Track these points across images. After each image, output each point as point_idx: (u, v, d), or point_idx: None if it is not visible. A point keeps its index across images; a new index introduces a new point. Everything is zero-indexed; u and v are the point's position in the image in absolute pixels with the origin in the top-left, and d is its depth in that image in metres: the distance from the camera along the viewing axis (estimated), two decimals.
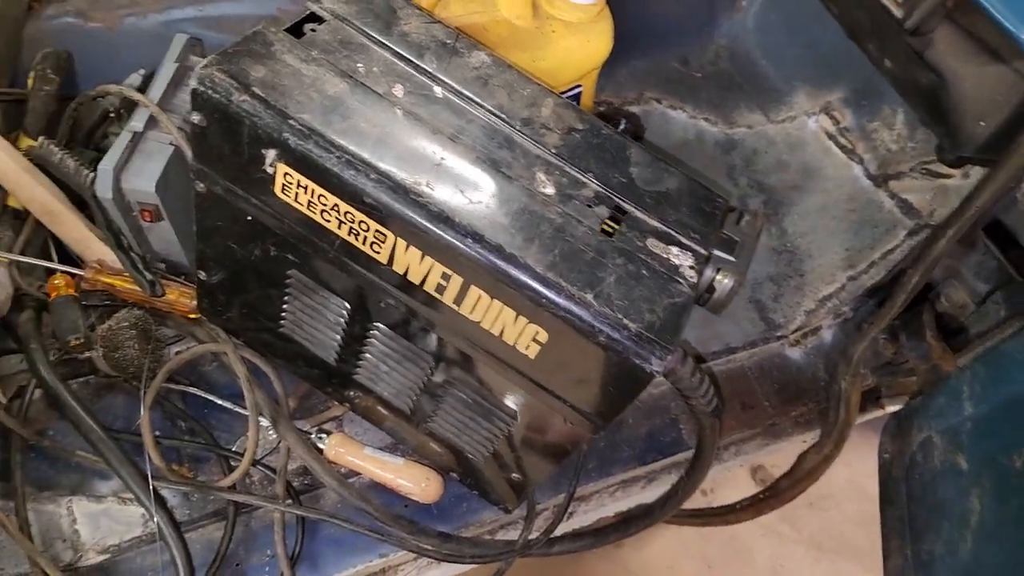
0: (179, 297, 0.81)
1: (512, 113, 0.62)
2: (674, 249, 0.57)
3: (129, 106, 0.92)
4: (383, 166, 0.54)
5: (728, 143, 1.18)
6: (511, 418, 0.66)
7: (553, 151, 0.60)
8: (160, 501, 0.70)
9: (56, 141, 0.83)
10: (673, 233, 0.58)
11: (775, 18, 1.22)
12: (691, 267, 0.56)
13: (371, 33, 0.62)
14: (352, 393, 0.78)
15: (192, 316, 0.81)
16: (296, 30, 0.61)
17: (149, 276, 0.78)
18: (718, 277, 0.59)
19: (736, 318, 1.02)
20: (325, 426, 0.83)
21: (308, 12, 0.62)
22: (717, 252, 0.59)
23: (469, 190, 0.55)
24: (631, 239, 0.56)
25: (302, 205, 0.57)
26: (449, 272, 0.55)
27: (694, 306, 0.58)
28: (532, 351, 0.56)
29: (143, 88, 0.92)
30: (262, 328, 0.76)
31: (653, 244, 0.57)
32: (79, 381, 0.81)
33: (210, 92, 0.54)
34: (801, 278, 1.07)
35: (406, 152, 0.55)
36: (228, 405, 0.81)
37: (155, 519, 0.68)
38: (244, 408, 0.79)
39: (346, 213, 0.56)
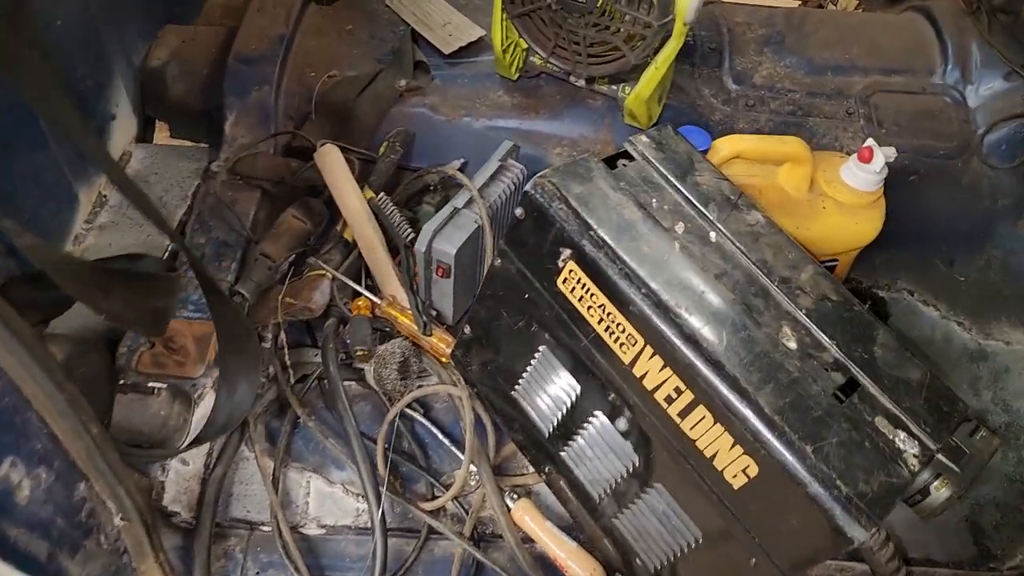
0: (439, 342, 0.97)
1: (774, 270, 0.69)
2: (901, 434, 0.59)
3: (444, 184, 1.14)
4: (653, 285, 0.64)
5: (979, 353, 1.13)
6: (695, 540, 0.70)
7: (803, 312, 0.66)
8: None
9: (390, 198, 1.06)
10: (904, 419, 0.60)
11: None
12: (915, 456, 0.58)
13: (669, 177, 0.75)
14: (550, 468, 0.86)
15: (443, 360, 0.96)
16: (611, 162, 0.75)
17: (424, 319, 0.95)
18: (936, 483, 0.59)
19: (944, 532, 0.96)
20: (517, 489, 0.92)
21: (623, 149, 0.77)
22: (941, 457, 0.60)
23: (720, 323, 0.63)
24: (860, 411, 0.60)
25: (574, 298, 0.69)
26: (683, 388, 0.62)
27: (901, 503, 0.59)
28: (738, 482, 0.61)
29: (461, 172, 1.14)
30: (496, 387, 0.88)
31: (881, 423, 0.59)
32: (345, 383, 0.98)
33: (537, 196, 0.69)
34: None
35: (674, 279, 0.65)
36: (447, 443, 0.94)
37: (375, 515, 0.81)
38: (459, 449, 0.92)
39: (609, 313, 0.66)
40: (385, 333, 0.99)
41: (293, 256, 1.06)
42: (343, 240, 1.05)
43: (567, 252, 0.68)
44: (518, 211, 0.72)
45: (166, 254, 1.10)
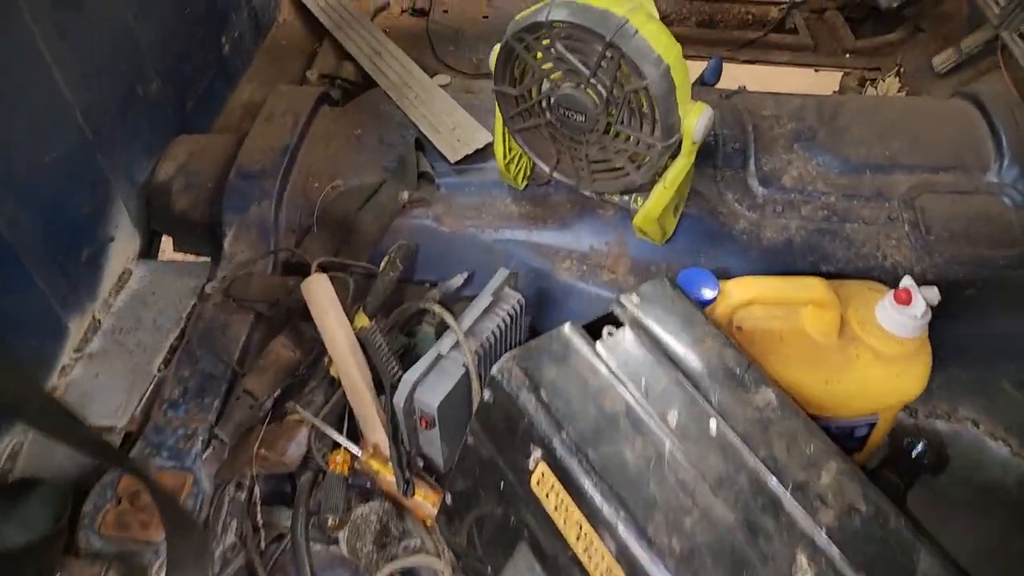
0: (424, 500, 0.87)
1: (787, 472, 0.58)
2: None
3: (445, 303, 1.06)
4: (634, 505, 0.53)
5: None
6: None
7: (824, 531, 0.54)
8: None
9: (382, 325, 0.98)
10: None
11: None
12: None
13: (664, 345, 0.64)
14: None
15: (428, 523, 0.87)
16: (595, 330, 0.65)
17: (408, 475, 0.86)
18: None
19: None
20: None
21: (609, 312, 0.67)
22: None
23: (716, 559, 0.52)
24: None
25: (549, 505, 0.59)
26: None
27: None
28: None
29: (461, 286, 1.07)
30: (482, 566, 0.77)
31: None
32: (322, 544, 0.90)
33: (503, 382, 0.60)
34: None
35: (662, 495, 0.54)
36: None
37: None
38: None
39: (585, 534, 0.56)
40: (366, 489, 0.90)
41: (278, 392, 0.99)
42: (328, 377, 0.98)
43: (538, 452, 0.58)
44: (486, 394, 0.62)
45: (145, 395, 1.04)
